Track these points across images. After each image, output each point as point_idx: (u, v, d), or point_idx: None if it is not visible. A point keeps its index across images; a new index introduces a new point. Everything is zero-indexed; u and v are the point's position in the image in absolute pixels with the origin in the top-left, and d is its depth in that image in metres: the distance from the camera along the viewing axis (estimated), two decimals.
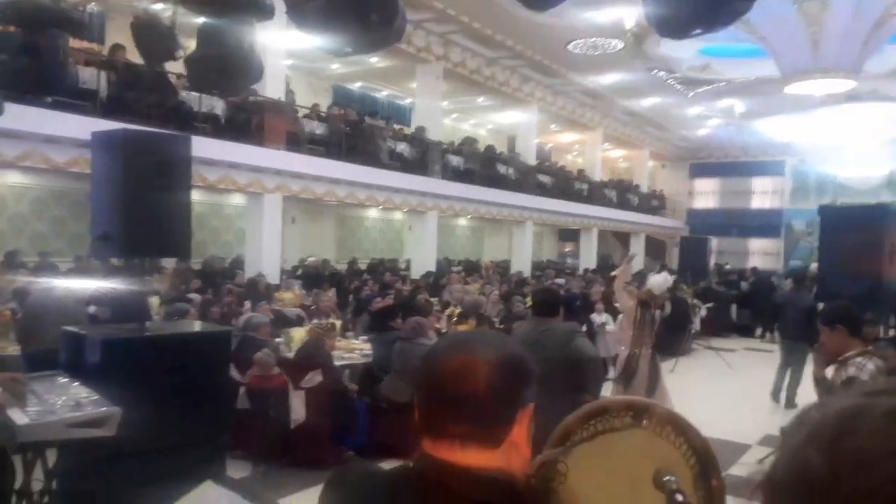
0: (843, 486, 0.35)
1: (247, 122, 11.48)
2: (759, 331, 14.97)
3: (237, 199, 14.84)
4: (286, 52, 12.63)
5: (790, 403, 8.23)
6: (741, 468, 6.06)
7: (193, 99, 10.67)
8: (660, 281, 6.34)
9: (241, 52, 4.02)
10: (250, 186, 11.48)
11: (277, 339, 6.61)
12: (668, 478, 1.48)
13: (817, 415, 0.39)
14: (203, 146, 10.11)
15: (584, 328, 8.30)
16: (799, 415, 0.42)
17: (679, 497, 1.41)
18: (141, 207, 3.97)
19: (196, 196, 14.84)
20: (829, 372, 3.48)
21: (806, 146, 21.07)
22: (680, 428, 1.57)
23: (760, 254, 25.62)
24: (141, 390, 3.54)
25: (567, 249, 27.86)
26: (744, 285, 15.92)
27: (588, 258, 22.02)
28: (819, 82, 12.58)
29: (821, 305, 5.87)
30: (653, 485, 1.50)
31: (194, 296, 8.56)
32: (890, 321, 7.01)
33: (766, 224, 25.60)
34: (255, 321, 5.97)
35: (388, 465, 1.19)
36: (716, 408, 8.25)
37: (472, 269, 18.14)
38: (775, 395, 8.57)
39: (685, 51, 14.59)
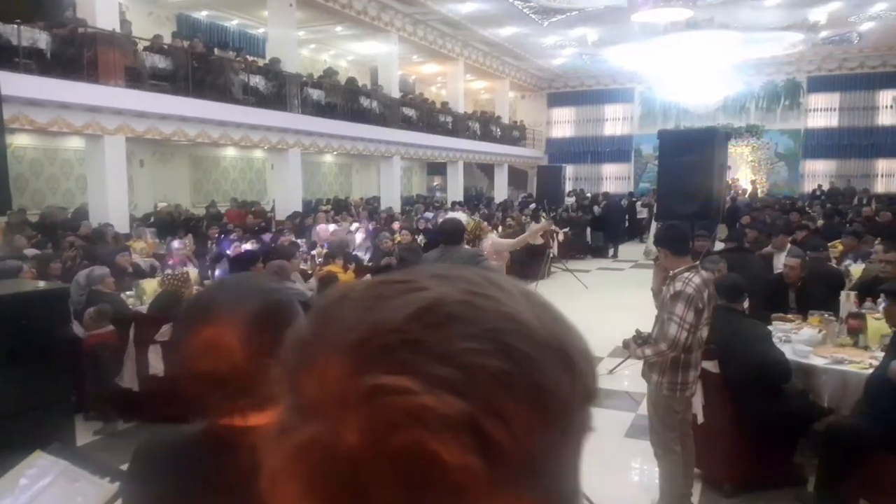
0: (320, 338, 0.43)
1: (77, 57, 10.37)
2: (611, 251, 16.02)
3: (76, 143, 13.57)
4: None
5: None
6: None
7: (11, 31, 9.46)
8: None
9: None
10: (87, 128, 10.50)
11: (128, 292, 6.23)
12: None
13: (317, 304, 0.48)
14: (27, 85, 9.12)
15: None
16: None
17: None
18: None
19: (26, 140, 13.58)
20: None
21: (652, 74, 22.22)
22: None
23: (613, 178, 27.12)
24: None
25: (436, 183, 28.09)
26: (596, 209, 16.87)
27: (455, 191, 22.33)
28: (661, 10, 13.18)
29: None
30: None
31: (30, 251, 7.83)
32: (719, 234, 7.71)
33: (618, 150, 27.05)
34: (96, 274, 5.57)
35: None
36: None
37: (340, 207, 17.87)
38: None
39: None
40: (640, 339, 3.79)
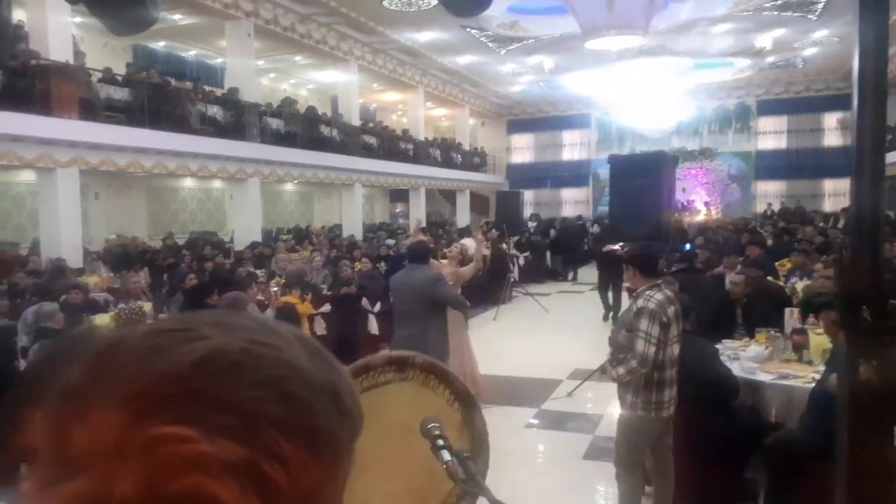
0: (94, 389, 0.43)
1: (29, 89, 10.22)
2: (570, 274, 16.22)
3: (28, 176, 13.30)
4: (71, 9, 11.34)
5: None
6: (553, 402, 6.61)
7: None
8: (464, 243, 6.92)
9: None
10: (39, 161, 10.31)
11: (80, 329, 6.09)
12: (431, 425, 1.59)
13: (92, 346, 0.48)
14: None
15: None
16: None
17: (440, 442, 1.52)
18: None
19: None
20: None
21: (608, 99, 22.76)
22: (441, 375, 1.68)
23: (572, 202, 27.49)
24: None
25: (398, 210, 28.13)
26: (552, 233, 17.10)
27: (418, 217, 22.39)
28: (614, 38, 13.53)
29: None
30: (420, 433, 1.60)
31: None
32: (672, 256, 7.93)
33: (576, 174, 27.49)
34: (45, 310, 5.45)
35: None
36: (533, 349, 8.88)
37: (301, 236, 17.77)
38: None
39: (495, 8, 15.00)
40: (615, 361, 3.84)
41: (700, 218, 21.77)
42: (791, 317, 5.12)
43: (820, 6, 15.39)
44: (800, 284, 6.73)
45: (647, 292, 3.69)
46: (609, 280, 10.34)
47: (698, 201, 24.76)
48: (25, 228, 14.16)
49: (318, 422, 0.45)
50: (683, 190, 23.30)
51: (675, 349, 3.73)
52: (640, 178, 6.20)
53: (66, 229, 10.69)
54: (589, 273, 15.71)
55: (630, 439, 3.77)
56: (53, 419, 0.43)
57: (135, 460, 0.40)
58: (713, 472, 4.19)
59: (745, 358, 4.68)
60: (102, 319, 6.26)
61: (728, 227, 16.72)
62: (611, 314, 10.33)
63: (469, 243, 7.02)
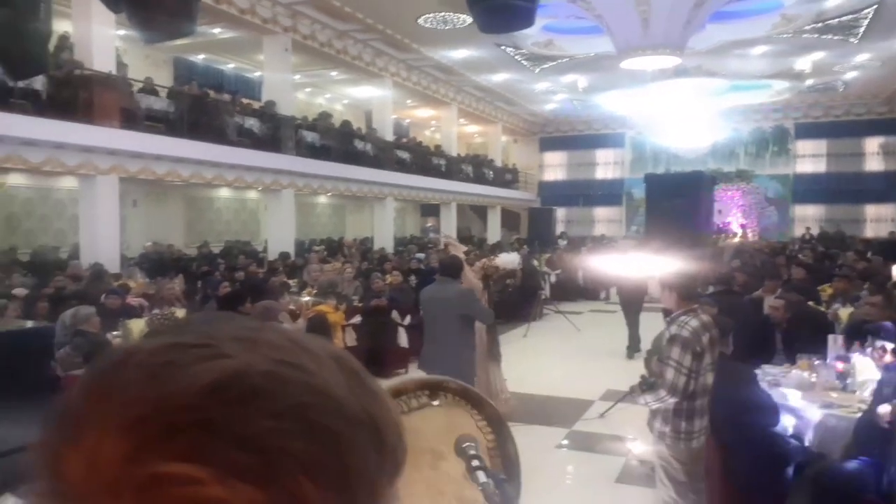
0: (91, 412, 0.38)
1: (73, 99, 10.49)
2: (603, 294, 16.01)
3: (70, 183, 13.61)
4: (115, 21, 11.64)
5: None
6: (585, 423, 6.50)
7: None
8: (508, 259, 6.79)
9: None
10: (81, 168, 10.55)
11: (115, 333, 6.18)
12: (467, 444, 1.54)
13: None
14: (23, 125, 9.21)
15: None
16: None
17: (476, 462, 1.47)
18: None
19: (20, 180, 13.60)
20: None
21: (642, 119, 22.60)
22: (474, 401, 1.63)
23: (605, 221, 27.32)
24: None
25: (429, 224, 28.21)
26: (583, 251, 16.96)
27: (449, 232, 22.39)
28: (649, 58, 13.44)
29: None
30: (455, 453, 1.55)
31: (18, 290, 7.78)
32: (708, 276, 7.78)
33: (610, 193, 27.31)
34: (82, 314, 5.53)
35: None
36: (564, 368, 8.76)
37: (333, 248, 17.90)
38: None
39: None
40: (646, 385, 3.71)
41: (736, 240, 21.39)
42: (835, 344, 4.96)
43: (861, 29, 15.12)
44: (843, 311, 6.53)
45: (683, 317, 3.55)
46: (630, 306, 9.44)
47: (734, 224, 24.36)
48: (66, 234, 14.48)
49: (351, 460, 0.39)
50: (720, 212, 22.98)
51: (709, 378, 3.59)
52: (678, 198, 6.10)
53: (104, 235, 10.90)
54: None
55: (665, 470, 3.65)
56: (50, 445, 0.38)
57: (131, 501, 0.35)
58: (751, 500, 4.05)
59: (786, 385, 4.54)
60: (137, 324, 6.33)
61: (765, 250, 16.39)
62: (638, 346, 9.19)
63: (505, 258, 6.96)
